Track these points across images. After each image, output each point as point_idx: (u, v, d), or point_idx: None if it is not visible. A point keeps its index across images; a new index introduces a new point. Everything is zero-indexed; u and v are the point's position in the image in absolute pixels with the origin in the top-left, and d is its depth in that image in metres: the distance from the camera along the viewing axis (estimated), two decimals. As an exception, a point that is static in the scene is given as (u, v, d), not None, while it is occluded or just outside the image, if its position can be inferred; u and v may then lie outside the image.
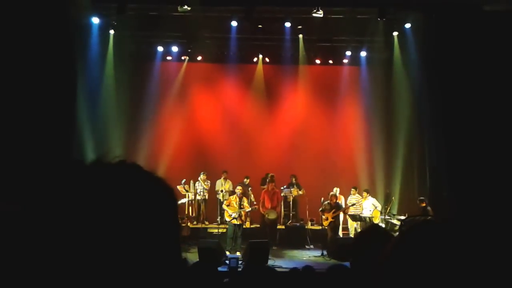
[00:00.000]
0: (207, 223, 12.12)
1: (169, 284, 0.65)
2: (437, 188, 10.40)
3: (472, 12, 9.50)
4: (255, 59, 13.66)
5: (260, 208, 10.87)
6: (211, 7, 10.66)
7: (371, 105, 13.19)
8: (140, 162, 0.71)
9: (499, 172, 8.64)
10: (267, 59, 13.63)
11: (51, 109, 8.78)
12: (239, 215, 9.84)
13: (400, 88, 12.09)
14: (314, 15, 10.30)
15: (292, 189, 11.76)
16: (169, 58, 13.38)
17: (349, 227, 11.45)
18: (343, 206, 11.03)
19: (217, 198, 11.78)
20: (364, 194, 11.36)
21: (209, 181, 12.16)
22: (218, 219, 10.98)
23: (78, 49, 10.04)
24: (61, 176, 0.65)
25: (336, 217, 10.48)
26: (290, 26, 11.61)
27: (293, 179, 12.07)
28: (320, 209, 10.44)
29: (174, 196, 0.70)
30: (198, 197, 11.88)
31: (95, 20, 11.06)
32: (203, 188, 11.97)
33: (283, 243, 10.93)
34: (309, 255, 10.10)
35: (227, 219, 9.92)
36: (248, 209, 10.08)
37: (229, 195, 11.04)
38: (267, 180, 11.33)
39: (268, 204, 10.87)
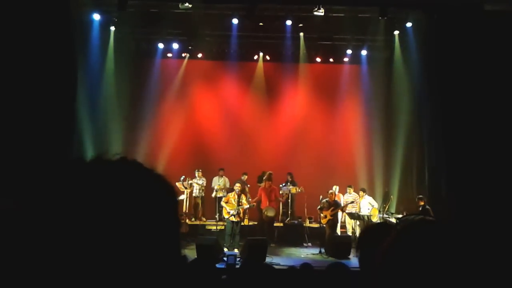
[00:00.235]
0: (204, 219, 12.14)
1: (169, 281, 0.65)
2: (436, 187, 10.39)
3: (473, 11, 9.49)
4: (255, 57, 13.64)
5: (261, 204, 10.92)
6: (212, 4, 10.66)
7: (371, 103, 13.19)
8: (140, 159, 0.71)
9: (498, 171, 8.65)
10: (267, 57, 13.61)
11: (51, 106, 8.74)
12: (237, 212, 9.85)
13: (400, 87, 12.06)
14: (315, 13, 10.30)
15: (290, 187, 11.80)
16: (169, 55, 13.37)
17: (347, 225, 11.46)
18: (342, 204, 11.04)
19: (213, 196, 11.81)
20: (361, 193, 11.33)
21: (204, 178, 12.16)
22: (217, 216, 11.00)
23: (78, 45, 10.01)
24: (61, 173, 0.66)
25: (335, 215, 10.49)
26: (291, 24, 11.62)
27: (289, 177, 12.10)
28: (319, 207, 10.46)
29: (174, 193, 0.70)
30: (194, 194, 11.90)
31: (96, 17, 11.03)
32: (199, 185, 11.98)
33: (281, 240, 10.96)
34: (307, 253, 10.12)
35: (225, 216, 9.94)
36: (246, 206, 10.10)
37: (227, 192, 11.05)
38: (264, 178, 11.35)
39: (265, 202, 10.90)
